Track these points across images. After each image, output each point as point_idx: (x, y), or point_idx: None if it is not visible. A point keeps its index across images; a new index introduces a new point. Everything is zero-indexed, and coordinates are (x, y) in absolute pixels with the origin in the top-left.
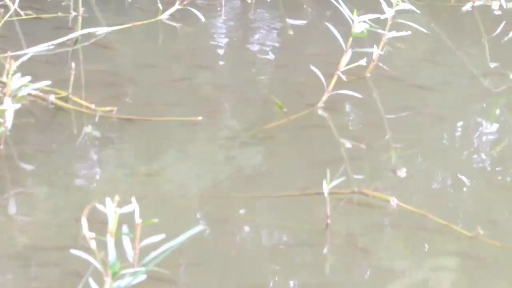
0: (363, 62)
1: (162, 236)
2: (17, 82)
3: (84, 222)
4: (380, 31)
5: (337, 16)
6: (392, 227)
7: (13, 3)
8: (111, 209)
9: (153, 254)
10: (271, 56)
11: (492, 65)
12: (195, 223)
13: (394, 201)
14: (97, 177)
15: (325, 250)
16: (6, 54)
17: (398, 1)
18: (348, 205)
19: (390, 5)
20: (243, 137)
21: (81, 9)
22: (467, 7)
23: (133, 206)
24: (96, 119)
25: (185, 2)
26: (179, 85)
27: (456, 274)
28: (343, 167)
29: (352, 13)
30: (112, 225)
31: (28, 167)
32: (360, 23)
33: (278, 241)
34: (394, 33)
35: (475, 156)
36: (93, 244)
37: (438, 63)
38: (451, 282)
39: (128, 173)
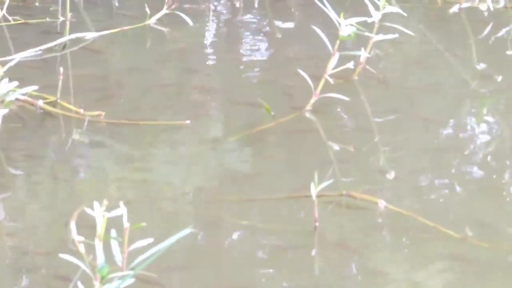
0: (350, 65)
1: (151, 240)
2: (4, 87)
3: (73, 226)
4: (367, 34)
5: (325, 19)
6: (381, 230)
7: (1, 8)
8: (99, 213)
9: (141, 257)
10: (259, 59)
11: (480, 67)
12: (183, 226)
13: (382, 204)
14: (86, 181)
15: (313, 253)
16: None
17: (385, 4)
18: (337, 208)
19: (377, 8)
20: (231, 140)
21: (69, 14)
22: (454, 9)
23: (122, 210)
24: (85, 124)
25: (172, 7)
26: (168, 89)
27: (445, 275)
28: (331, 170)
29: (339, 16)
30: (100, 229)
31: (17, 171)
32: (347, 26)
33: (266, 244)
34: (381, 36)
35: (463, 158)
36: (81, 248)
37: (426, 65)
38: (440, 284)
39: (116, 177)
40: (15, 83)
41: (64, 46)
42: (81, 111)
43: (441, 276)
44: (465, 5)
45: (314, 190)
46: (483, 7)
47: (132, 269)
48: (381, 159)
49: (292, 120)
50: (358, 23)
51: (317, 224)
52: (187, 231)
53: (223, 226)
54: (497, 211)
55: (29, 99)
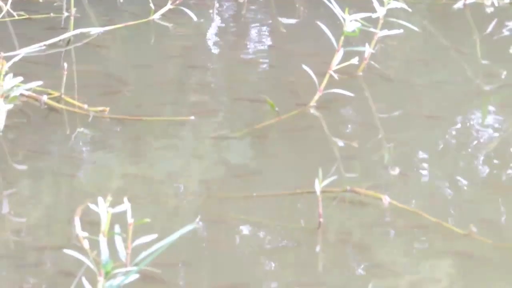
0: (355, 61)
1: (154, 236)
2: (9, 82)
3: (77, 222)
4: (372, 29)
5: (329, 15)
6: (385, 225)
7: (6, 3)
8: (103, 209)
9: (145, 253)
10: (263, 55)
11: (484, 63)
12: (187, 222)
13: (386, 200)
14: (90, 177)
15: (317, 249)
16: None
17: (389, 0)
18: (341, 204)
19: (381, 3)
20: (235, 136)
21: (73, 10)
22: (459, 4)
23: (125, 206)
24: (89, 119)
25: (177, 2)
26: (171, 85)
27: (448, 271)
28: (335, 166)
29: (344, 12)
30: (104, 224)
31: (21, 167)
32: (351, 22)
33: (270, 240)
34: (386, 32)
35: (467, 154)
36: (86, 244)
37: (430, 61)
38: (444, 279)
39: (120, 173)
40: (20, 78)
41: (68, 42)
42: (85, 106)
43: (445, 272)
44: (469, 0)
45: (318, 186)
46: (487, 2)
47: (136, 264)
48: (385, 156)
49: (296, 116)
50: (362, 18)
51: (321, 220)
52: (190, 227)
53: (226, 222)
54: (501, 208)
55: (34, 94)
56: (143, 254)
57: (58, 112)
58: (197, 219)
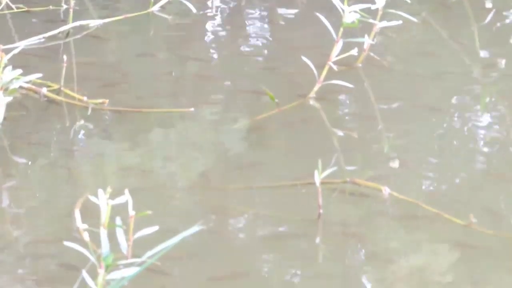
0: (354, 52)
1: (155, 228)
2: (8, 75)
3: (77, 214)
4: (371, 21)
5: (328, 6)
6: (385, 217)
7: None
8: (103, 201)
9: (150, 252)
10: (262, 46)
11: (483, 53)
12: (186, 214)
13: (386, 191)
14: (90, 169)
15: (317, 240)
16: None
17: None
18: (341, 195)
19: None
20: (235, 128)
21: (72, 2)
22: None
23: (126, 197)
24: (89, 112)
25: None
26: (171, 77)
27: (449, 262)
28: (335, 157)
29: (343, 3)
30: (104, 216)
31: (21, 160)
32: (351, 13)
33: (270, 231)
34: (385, 23)
35: (467, 145)
36: (86, 236)
37: (429, 52)
38: (444, 270)
39: (120, 165)
40: (19, 71)
41: (67, 34)
42: (85, 98)
43: (445, 262)
44: None
45: (318, 177)
46: None
47: (142, 260)
48: (385, 147)
49: (296, 108)
50: (361, 10)
51: (321, 211)
52: (196, 228)
53: (226, 213)
54: (501, 198)
55: (33, 87)
56: (148, 253)
57: (58, 104)
58: (200, 222)
